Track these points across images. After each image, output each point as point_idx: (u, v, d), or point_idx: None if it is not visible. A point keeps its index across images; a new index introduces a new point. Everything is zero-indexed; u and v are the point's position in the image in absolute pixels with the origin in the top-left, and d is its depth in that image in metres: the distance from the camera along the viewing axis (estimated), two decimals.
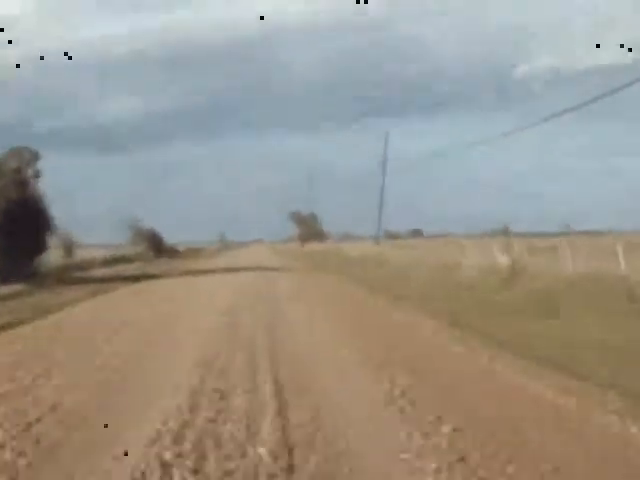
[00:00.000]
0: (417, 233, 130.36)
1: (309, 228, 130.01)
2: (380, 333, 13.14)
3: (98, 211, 72.58)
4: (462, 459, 5.60)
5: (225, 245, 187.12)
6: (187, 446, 6.06)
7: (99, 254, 54.56)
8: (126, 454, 5.83)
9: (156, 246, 65.10)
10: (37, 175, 31.53)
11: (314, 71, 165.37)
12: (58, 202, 31.96)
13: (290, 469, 5.46)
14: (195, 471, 5.46)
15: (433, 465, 5.47)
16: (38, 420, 7.05)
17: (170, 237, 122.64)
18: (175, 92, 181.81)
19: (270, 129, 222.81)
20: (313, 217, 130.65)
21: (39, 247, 31.97)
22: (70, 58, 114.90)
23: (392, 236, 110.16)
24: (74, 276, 34.86)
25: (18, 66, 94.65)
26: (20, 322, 15.80)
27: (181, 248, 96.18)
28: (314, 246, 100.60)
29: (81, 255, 45.64)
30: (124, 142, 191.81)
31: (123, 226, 63.62)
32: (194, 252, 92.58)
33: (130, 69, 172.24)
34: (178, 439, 6.25)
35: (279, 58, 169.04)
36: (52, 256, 37.79)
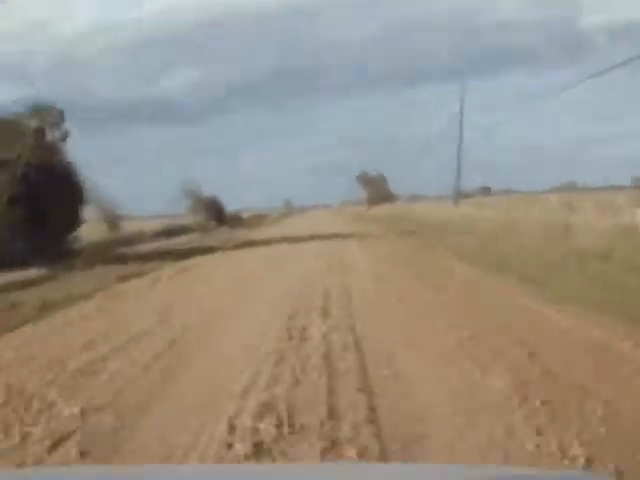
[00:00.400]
0: (486, 191, 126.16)
1: (377, 190, 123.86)
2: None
3: (155, 180, 68.61)
4: None
5: (291, 211, 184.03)
6: None
7: (153, 225, 50.22)
8: None
9: (216, 214, 60.53)
10: (64, 138, 26.80)
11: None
12: (112, 170, 27.06)
13: None
14: None
15: None
16: None
17: (236, 203, 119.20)
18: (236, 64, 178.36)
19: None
20: (381, 178, 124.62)
21: (71, 221, 27.33)
22: None
23: (462, 195, 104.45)
24: (116, 253, 30.27)
25: None
26: None
27: (245, 215, 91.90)
28: (383, 208, 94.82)
29: (131, 228, 41.18)
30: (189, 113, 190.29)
31: (181, 195, 59.21)
32: (258, 219, 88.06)
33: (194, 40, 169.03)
34: None
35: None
36: (94, 231, 33.32)
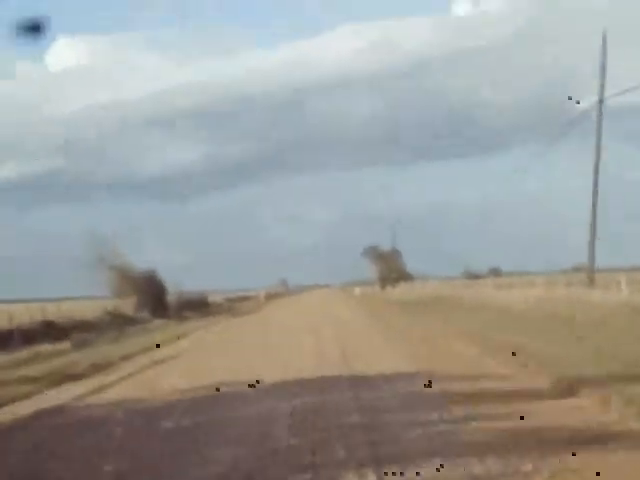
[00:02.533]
0: (496, 271, 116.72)
1: (390, 267, 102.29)
2: None
3: None
4: None
5: (286, 290, 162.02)
6: None
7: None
8: None
9: (153, 299, 38.19)
10: None
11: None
12: None
13: None
14: None
15: None
16: None
17: (228, 284, 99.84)
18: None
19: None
20: (395, 253, 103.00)
21: None
22: None
23: (472, 276, 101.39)
24: None
25: None
26: None
27: (220, 297, 70.02)
28: (405, 290, 73.18)
29: None
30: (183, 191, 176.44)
31: (96, 267, 37.35)
32: (233, 303, 65.99)
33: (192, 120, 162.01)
34: None
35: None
36: None
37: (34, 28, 8.16)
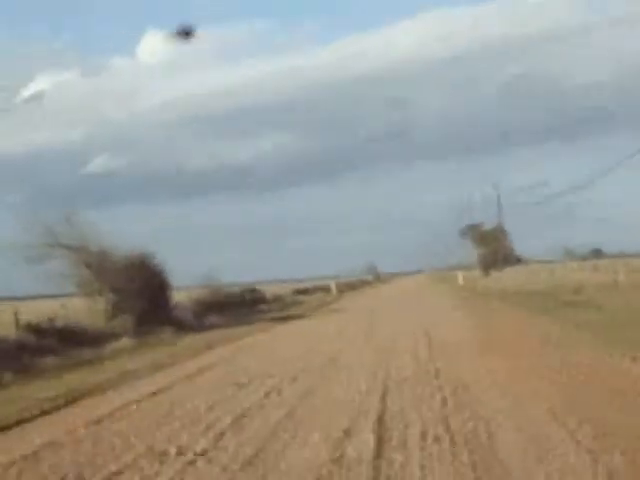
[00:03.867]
0: (598, 253, 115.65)
1: (495, 249, 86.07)
2: None
3: None
4: None
5: (377, 277, 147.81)
6: None
7: None
8: None
9: (142, 297, 24.23)
10: None
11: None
12: None
13: None
14: None
15: None
16: None
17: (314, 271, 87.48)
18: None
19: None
20: (501, 232, 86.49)
21: None
22: None
23: (574, 257, 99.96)
24: None
25: None
26: None
27: (282, 289, 56.30)
28: (514, 275, 57.61)
29: None
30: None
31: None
32: (301, 300, 51.97)
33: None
34: None
35: None
36: None
37: (187, 33, 11.60)
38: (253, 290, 50.48)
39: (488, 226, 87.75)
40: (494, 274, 78.89)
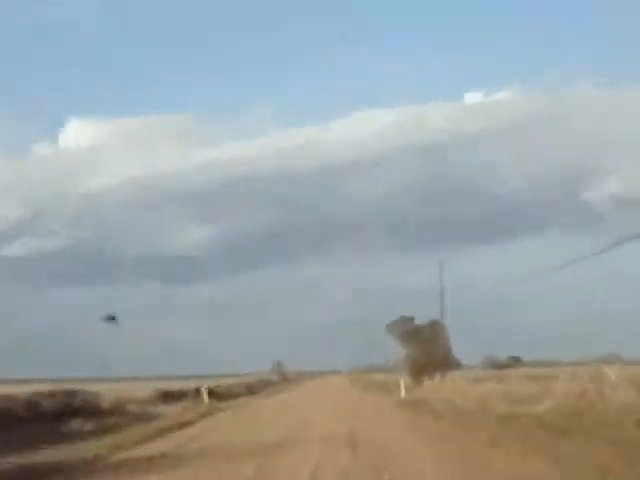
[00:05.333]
0: (517, 360, 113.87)
1: (429, 349, 68.73)
2: None
3: None
4: None
5: (283, 378, 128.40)
6: None
7: None
8: None
9: None
10: None
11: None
12: None
13: None
14: None
15: None
16: None
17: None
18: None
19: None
20: (439, 328, 69.31)
21: None
22: None
23: (496, 365, 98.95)
24: None
25: None
26: None
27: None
28: (459, 386, 40.52)
29: None
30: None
31: None
32: (156, 414, 32.75)
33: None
34: None
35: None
36: None
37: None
38: (72, 394, 31.27)
39: (422, 320, 70.68)
40: (427, 383, 61.88)
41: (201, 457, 15.04)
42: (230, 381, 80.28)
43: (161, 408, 34.45)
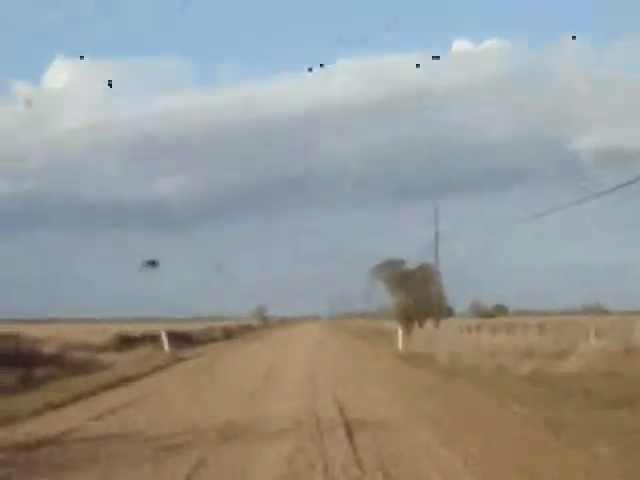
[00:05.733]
0: (501, 309, 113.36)
1: (420, 296, 64.13)
2: None
3: None
4: None
5: (265, 323, 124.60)
6: None
7: None
8: None
9: None
10: None
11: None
12: None
13: None
14: None
15: None
16: None
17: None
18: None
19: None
20: (430, 272, 64.52)
21: None
22: None
23: (482, 314, 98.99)
24: None
25: None
26: None
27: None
28: (456, 338, 36.17)
29: None
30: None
31: None
32: (107, 364, 27.36)
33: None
34: None
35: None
36: None
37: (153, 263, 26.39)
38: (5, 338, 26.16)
39: (412, 264, 65.81)
40: (418, 332, 57.78)
41: (94, 455, 9.46)
42: (212, 325, 75.68)
43: (114, 356, 29.44)
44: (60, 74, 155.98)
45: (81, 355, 27.81)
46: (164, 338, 30.06)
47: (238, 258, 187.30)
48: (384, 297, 75.60)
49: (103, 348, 33.78)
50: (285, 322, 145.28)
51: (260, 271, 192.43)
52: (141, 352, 29.57)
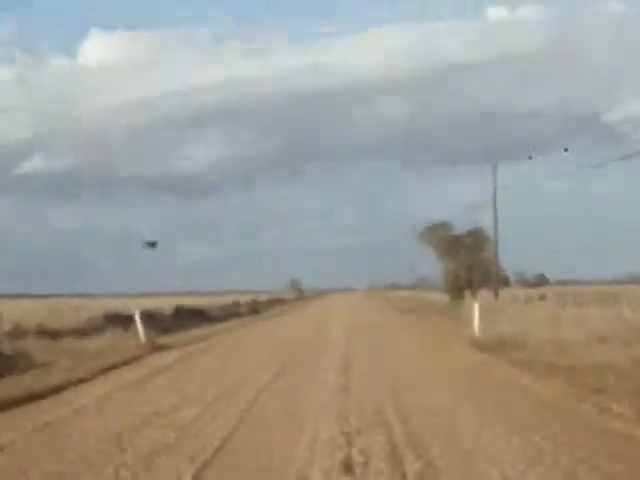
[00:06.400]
0: (543, 279, 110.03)
1: (470, 263, 55.69)
2: None
3: None
4: None
5: (300, 295, 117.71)
6: None
7: None
8: None
9: None
10: None
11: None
12: None
13: None
14: None
15: None
16: None
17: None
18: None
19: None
20: (482, 238, 55.91)
21: None
22: None
23: (526, 284, 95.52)
24: None
25: None
26: None
27: None
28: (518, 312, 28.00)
29: None
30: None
31: None
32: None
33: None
34: None
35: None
36: None
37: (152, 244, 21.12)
38: None
39: (462, 229, 57.15)
40: (471, 302, 49.30)
41: None
42: (237, 299, 68.33)
43: (83, 341, 21.89)
44: (96, 47, 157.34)
45: (24, 344, 20.27)
46: (137, 319, 22.25)
47: (273, 229, 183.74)
48: (427, 267, 67.63)
49: (80, 330, 26.38)
50: (321, 294, 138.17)
51: (296, 243, 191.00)
52: (109, 338, 21.84)
